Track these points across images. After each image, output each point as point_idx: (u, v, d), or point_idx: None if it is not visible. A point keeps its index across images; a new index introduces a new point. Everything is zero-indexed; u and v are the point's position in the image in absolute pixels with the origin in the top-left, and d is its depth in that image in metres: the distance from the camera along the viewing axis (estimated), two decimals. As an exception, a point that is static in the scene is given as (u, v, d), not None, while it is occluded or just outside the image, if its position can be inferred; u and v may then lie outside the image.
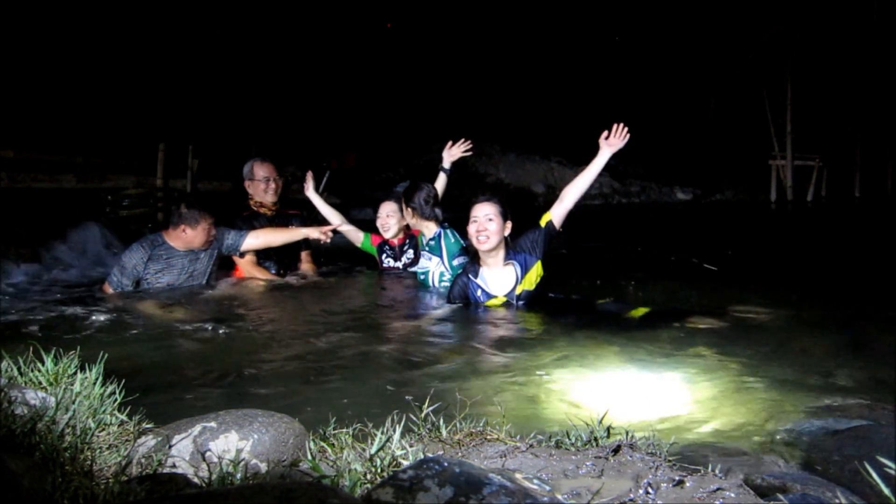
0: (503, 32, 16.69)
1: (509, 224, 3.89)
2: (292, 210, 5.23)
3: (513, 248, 3.92)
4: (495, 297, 3.92)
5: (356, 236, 5.08)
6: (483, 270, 3.95)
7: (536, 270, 3.89)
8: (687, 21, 16.34)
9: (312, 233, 4.76)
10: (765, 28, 15.11)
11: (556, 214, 3.89)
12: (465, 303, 3.97)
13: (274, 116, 10.99)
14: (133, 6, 9.29)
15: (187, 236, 4.43)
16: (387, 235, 4.96)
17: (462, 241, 4.38)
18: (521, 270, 3.88)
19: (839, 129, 15.51)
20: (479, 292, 3.95)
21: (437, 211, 4.50)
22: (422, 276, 4.55)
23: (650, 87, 16.68)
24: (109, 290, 4.36)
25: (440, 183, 4.78)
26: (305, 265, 5.18)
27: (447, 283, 4.35)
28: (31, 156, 6.88)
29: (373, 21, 15.82)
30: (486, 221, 3.82)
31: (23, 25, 7.83)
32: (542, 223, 3.91)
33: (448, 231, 4.47)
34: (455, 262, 4.35)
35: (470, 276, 3.97)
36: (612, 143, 3.85)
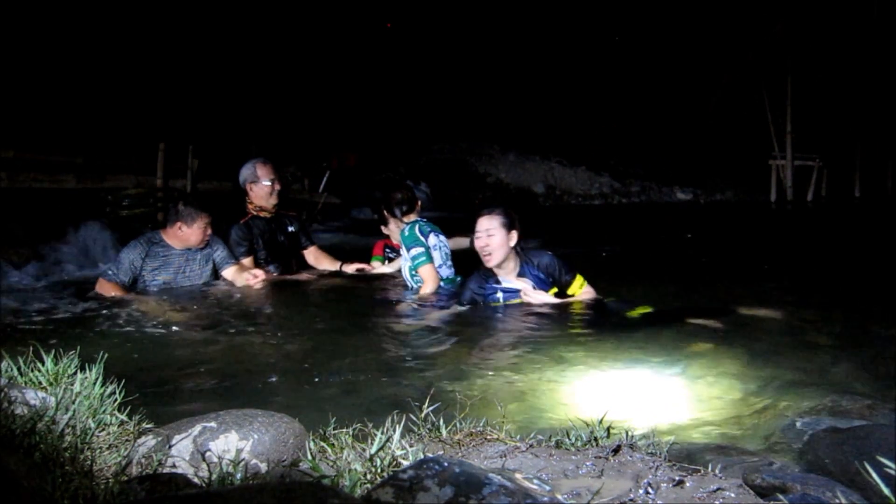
0: (503, 32, 16.68)
1: (514, 233, 3.78)
2: (290, 211, 5.22)
3: (528, 261, 3.86)
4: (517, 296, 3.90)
5: (378, 265, 5.13)
6: (500, 279, 3.92)
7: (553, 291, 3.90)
8: (687, 21, 16.33)
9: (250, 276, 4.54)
10: (765, 28, 15.11)
11: (587, 292, 3.91)
12: (474, 304, 3.95)
13: (274, 116, 10.98)
14: (133, 6, 9.28)
15: (184, 234, 4.44)
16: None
17: (419, 234, 4.35)
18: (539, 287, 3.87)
19: (839, 129, 15.50)
20: (498, 294, 3.90)
21: (399, 210, 4.54)
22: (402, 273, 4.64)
23: (650, 87, 16.67)
24: (105, 284, 4.34)
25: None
26: (324, 259, 5.17)
27: (417, 278, 4.37)
28: (31, 156, 6.86)
29: (373, 21, 15.81)
30: (487, 237, 3.72)
31: (23, 25, 7.83)
32: (575, 288, 3.89)
33: (407, 226, 4.46)
34: (410, 254, 4.34)
35: (490, 283, 3.91)
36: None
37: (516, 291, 3.87)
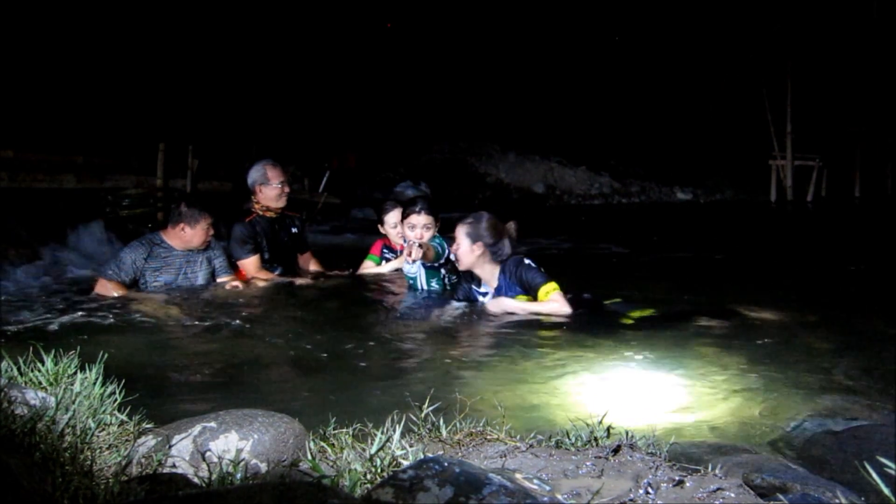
0: (503, 32, 16.68)
1: (479, 245, 3.78)
2: (292, 212, 5.21)
3: (506, 272, 3.83)
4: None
5: (372, 265, 5.06)
6: (482, 284, 3.97)
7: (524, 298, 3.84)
8: (687, 21, 16.33)
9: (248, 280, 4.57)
10: (765, 28, 15.11)
11: (553, 299, 3.72)
12: (469, 301, 3.99)
13: (274, 116, 10.98)
14: (133, 6, 9.29)
15: (186, 235, 4.44)
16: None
17: (445, 245, 4.24)
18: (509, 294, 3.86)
19: (839, 129, 15.50)
20: (482, 298, 3.97)
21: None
22: (411, 280, 4.51)
23: (650, 87, 16.67)
24: (106, 284, 4.32)
25: None
26: (314, 266, 5.18)
27: (436, 286, 4.36)
28: (31, 156, 6.88)
29: (373, 21, 15.81)
30: (455, 244, 3.86)
31: (23, 25, 7.83)
32: (543, 294, 3.73)
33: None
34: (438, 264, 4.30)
35: (472, 286, 4.00)
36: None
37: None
